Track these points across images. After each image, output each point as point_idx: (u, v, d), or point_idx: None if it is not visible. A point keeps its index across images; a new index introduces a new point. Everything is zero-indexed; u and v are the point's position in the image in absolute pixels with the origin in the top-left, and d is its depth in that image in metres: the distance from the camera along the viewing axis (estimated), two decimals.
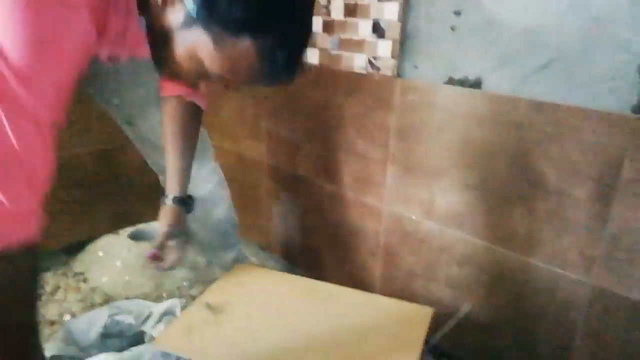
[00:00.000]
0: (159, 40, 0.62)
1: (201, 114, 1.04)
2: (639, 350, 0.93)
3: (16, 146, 0.54)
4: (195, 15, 0.56)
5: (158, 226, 0.99)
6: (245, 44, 0.56)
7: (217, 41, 0.57)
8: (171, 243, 0.97)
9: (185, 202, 1.02)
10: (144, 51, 0.65)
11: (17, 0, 0.50)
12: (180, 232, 0.99)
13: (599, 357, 0.99)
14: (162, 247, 0.96)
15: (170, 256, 0.97)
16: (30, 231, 0.60)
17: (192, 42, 0.58)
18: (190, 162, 1.03)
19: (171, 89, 0.97)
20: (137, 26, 0.65)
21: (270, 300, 1.09)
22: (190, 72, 0.62)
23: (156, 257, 0.94)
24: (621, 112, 0.86)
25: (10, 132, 0.53)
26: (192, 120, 1.02)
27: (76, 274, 1.52)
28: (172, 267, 0.98)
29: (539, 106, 0.96)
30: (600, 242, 0.93)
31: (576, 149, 0.93)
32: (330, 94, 1.33)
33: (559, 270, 1.00)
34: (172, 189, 1.01)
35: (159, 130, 1.03)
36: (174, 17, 0.59)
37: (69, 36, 0.56)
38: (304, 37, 0.61)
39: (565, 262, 0.99)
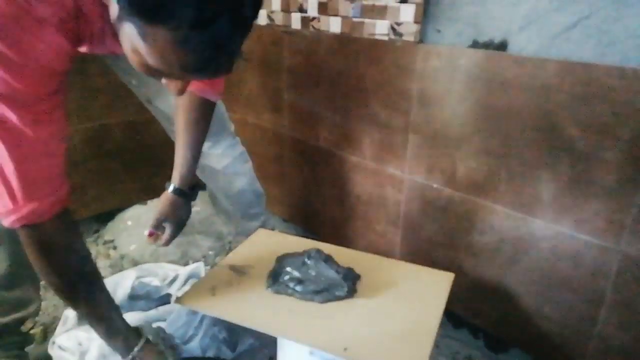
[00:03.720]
0: (117, 37, 0.60)
1: (213, 108, 1.05)
2: None
3: None
4: (119, 8, 0.54)
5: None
6: (162, 34, 0.52)
7: (141, 33, 0.53)
8: (165, 224, 1.03)
9: (185, 193, 1.04)
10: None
11: None
12: (175, 217, 1.03)
13: (628, 328, 0.97)
14: (157, 226, 1.02)
15: (164, 236, 1.03)
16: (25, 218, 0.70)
17: (129, 36, 0.56)
18: (198, 154, 1.05)
19: None
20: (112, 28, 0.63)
21: None
22: (141, 66, 0.60)
23: (152, 235, 1.02)
24: None
25: None
26: (203, 114, 1.03)
27: (106, 242, 1.58)
28: (165, 245, 1.04)
29: (568, 67, 0.92)
30: (630, 207, 0.90)
31: (608, 110, 0.89)
32: (352, 63, 1.31)
33: (586, 237, 0.98)
34: (174, 179, 1.04)
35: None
36: (113, 12, 0.58)
37: (38, 54, 0.61)
38: (227, 22, 0.53)
39: (593, 228, 0.96)
